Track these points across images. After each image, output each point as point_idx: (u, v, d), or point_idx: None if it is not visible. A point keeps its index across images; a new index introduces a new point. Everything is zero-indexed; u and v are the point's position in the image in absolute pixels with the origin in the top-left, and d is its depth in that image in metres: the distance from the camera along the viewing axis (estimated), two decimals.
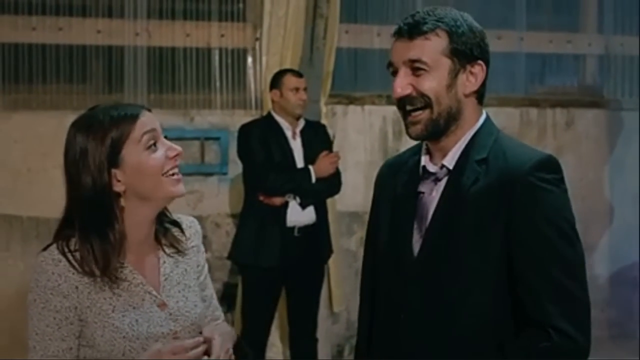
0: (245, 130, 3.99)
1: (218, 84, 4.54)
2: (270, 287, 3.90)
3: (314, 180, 3.88)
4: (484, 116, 1.67)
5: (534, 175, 1.56)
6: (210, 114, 4.52)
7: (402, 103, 1.62)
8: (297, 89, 3.94)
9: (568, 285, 1.55)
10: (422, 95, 1.60)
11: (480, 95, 1.66)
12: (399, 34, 1.63)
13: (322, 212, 3.98)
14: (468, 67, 1.61)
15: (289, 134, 3.99)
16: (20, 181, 4.17)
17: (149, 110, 1.73)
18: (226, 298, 4.33)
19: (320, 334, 4.21)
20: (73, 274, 1.65)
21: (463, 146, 1.64)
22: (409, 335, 1.65)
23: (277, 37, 4.39)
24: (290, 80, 3.95)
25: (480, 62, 1.62)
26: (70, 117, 1.77)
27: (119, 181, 1.66)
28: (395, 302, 1.68)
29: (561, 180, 1.60)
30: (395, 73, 1.63)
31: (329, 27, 4.49)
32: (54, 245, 1.69)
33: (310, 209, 3.92)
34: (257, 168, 3.90)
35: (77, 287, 1.66)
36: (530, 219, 1.56)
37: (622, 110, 5.33)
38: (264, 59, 4.46)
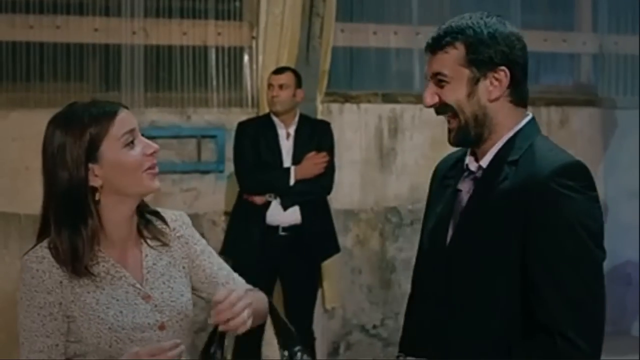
0: (239, 128, 4.07)
1: (215, 82, 4.56)
2: (258, 283, 3.91)
3: (292, 181, 3.92)
4: (526, 119, 1.71)
5: (554, 181, 1.58)
6: (207, 112, 4.54)
7: (437, 112, 1.72)
8: (271, 86, 3.99)
9: (579, 295, 1.57)
10: (446, 105, 1.68)
11: (517, 98, 1.69)
12: (426, 49, 1.72)
13: (310, 212, 3.99)
14: (490, 74, 1.66)
15: (282, 132, 4.04)
16: (18, 179, 4.19)
17: (127, 108, 1.76)
18: None
19: (317, 331, 4.24)
20: (57, 269, 1.68)
21: (499, 147, 1.68)
22: (438, 325, 1.70)
23: (273, 35, 4.41)
24: (268, 78, 4.03)
25: (503, 67, 1.66)
26: None
27: (96, 176, 1.69)
28: (427, 291, 1.76)
29: (586, 187, 1.60)
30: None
31: (325, 25, 4.52)
32: (39, 244, 1.72)
33: (295, 209, 3.96)
34: (240, 166, 3.98)
35: (61, 283, 1.68)
36: (546, 225, 1.58)
37: (617, 108, 5.36)
38: (260, 57, 4.49)
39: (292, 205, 3.96)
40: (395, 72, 5.01)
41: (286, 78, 4.00)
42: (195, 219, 4.52)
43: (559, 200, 1.58)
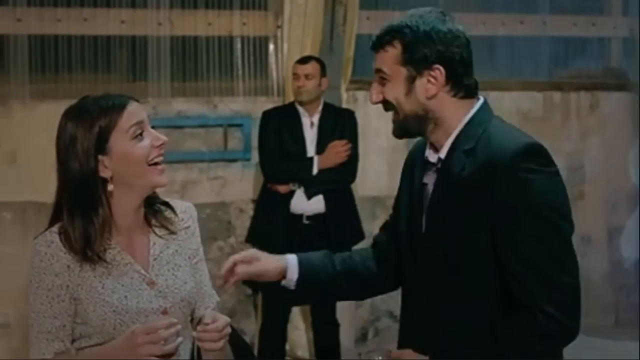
0: (263, 117, 4.10)
1: (240, 71, 4.58)
2: None
3: (315, 170, 3.93)
4: (476, 107, 1.73)
5: (512, 165, 1.61)
6: (232, 101, 4.57)
7: (384, 109, 1.76)
8: (296, 75, 4.00)
9: (551, 271, 1.60)
10: (388, 101, 1.73)
11: (459, 92, 1.71)
12: (370, 47, 1.77)
13: (334, 201, 4.01)
14: (426, 73, 1.70)
15: (306, 121, 4.05)
16: (49, 170, 4.24)
17: (137, 101, 1.81)
18: (250, 282, 4.39)
19: (344, 318, 4.26)
20: (65, 253, 1.74)
21: (454, 137, 1.71)
22: (419, 309, 1.76)
23: (297, 24, 4.42)
24: (293, 68, 4.04)
25: (438, 66, 1.69)
26: None
27: (106, 167, 1.75)
28: (408, 281, 1.81)
29: (544, 164, 1.64)
30: None
31: (349, 13, 4.52)
32: (49, 229, 1.78)
33: (319, 198, 3.98)
34: (264, 155, 4.02)
35: (68, 266, 1.75)
36: (510, 208, 1.62)
37: None
38: (285, 46, 4.50)
39: (315, 194, 3.98)
40: None
41: (312, 68, 4.01)
42: (222, 207, 4.60)
43: (519, 183, 1.61)
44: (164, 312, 1.78)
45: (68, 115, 1.79)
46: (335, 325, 4.13)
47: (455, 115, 1.71)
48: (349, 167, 4.04)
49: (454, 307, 1.69)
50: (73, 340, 1.78)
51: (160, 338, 1.66)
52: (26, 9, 4.25)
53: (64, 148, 1.76)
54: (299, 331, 4.45)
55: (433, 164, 1.75)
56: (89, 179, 1.74)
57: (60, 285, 1.74)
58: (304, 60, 4.06)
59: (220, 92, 4.57)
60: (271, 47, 4.63)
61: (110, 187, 1.76)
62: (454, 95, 1.71)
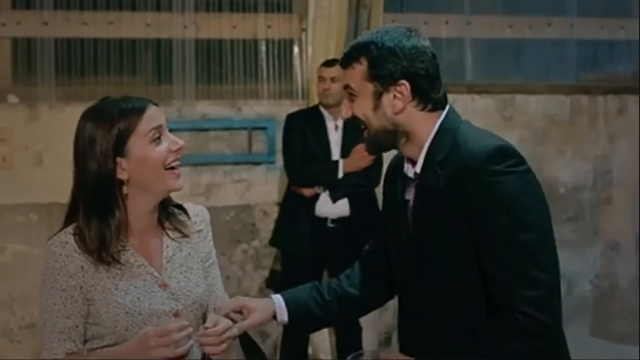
0: (288, 120, 4.10)
1: (265, 74, 4.59)
2: (305, 274, 3.94)
3: (341, 174, 3.92)
4: (441, 117, 1.74)
5: (481, 171, 1.64)
6: (257, 104, 4.57)
7: (353, 125, 1.79)
8: (322, 78, 3.99)
9: (528, 271, 1.62)
10: (357, 118, 1.76)
11: (426, 106, 1.73)
12: (339, 64, 1.81)
13: (359, 204, 4.00)
14: (392, 88, 1.72)
15: (330, 125, 4.05)
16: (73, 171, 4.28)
17: (156, 104, 1.81)
18: (274, 285, 4.39)
19: (367, 322, 4.24)
20: (79, 254, 1.75)
21: (426, 150, 1.73)
22: (411, 318, 1.81)
23: (321, 27, 4.42)
24: (319, 70, 4.03)
25: (403, 81, 1.71)
26: None
27: (123, 169, 1.76)
28: (400, 290, 1.86)
29: (513, 165, 1.65)
30: None
31: (373, 17, 4.51)
32: (63, 230, 1.79)
33: (344, 202, 3.97)
34: (289, 158, 4.02)
35: (82, 267, 1.75)
36: (483, 213, 1.64)
37: None
38: (309, 49, 4.50)
39: (341, 197, 3.97)
40: (447, 62, 4.96)
41: (337, 70, 4.00)
42: (246, 209, 4.61)
43: (489, 187, 1.63)
44: (176, 315, 1.79)
45: (87, 116, 1.80)
46: (358, 328, 4.12)
47: (425, 128, 1.73)
48: (374, 172, 4.02)
49: (446, 315, 1.72)
50: (85, 341, 1.79)
51: (172, 341, 1.66)
52: (53, 13, 4.29)
53: (82, 149, 1.78)
54: (321, 334, 4.44)
55: (412, 179, 1.78)
56: (106, 181, 1.75)
57: (74, 286, 1.75)
58: (330, 63, 4.06)
59: (245, 95, 4.58)
60: (296, 50, 4.63)
61: (126, 189, 1.77)
62: (422, 109, 1.73)
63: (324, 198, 4.00)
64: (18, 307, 4.27)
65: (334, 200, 3.98)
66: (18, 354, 4.26)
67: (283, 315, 1.86)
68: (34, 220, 4.29)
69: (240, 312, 1.81)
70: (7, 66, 4.35)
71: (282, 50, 4.61)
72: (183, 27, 4.46)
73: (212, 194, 4.46)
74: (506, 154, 1.66)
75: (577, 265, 5.09)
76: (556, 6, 5.11)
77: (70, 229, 1.78)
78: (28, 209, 4.28)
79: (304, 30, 4.58)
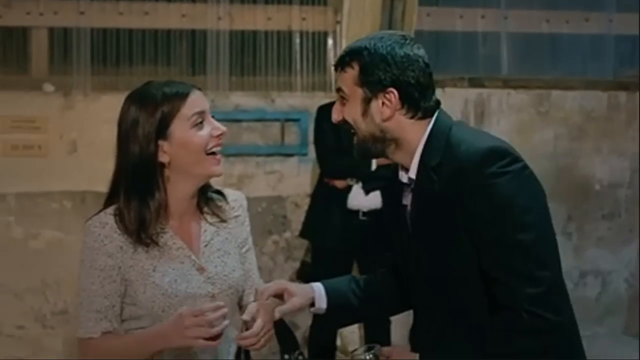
0: (320, 112, 4.09)
1: (299, 66, 4.59)
2: (336, 266, 3.93)
3: (374, 166, 3.91)
4: (432, 122, 1.74)
5: (477, 172, 1.63)
6: (290, 96, 4.58)
7: (346, 129, 1.79)
8: None
9: (528, 270, 1.61)
10: (346, 122, 1.77)
11: (416, 114, 1.73)
12: (333, 67, 1.81)
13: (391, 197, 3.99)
14: (380, 95, 1.72)
15: None
16: (109, 160, 4.31)
17: (199, 89, 1.83)
18: (304, 277, 4.40)
19: (396, 315, 4.22)
20: (118, 235, 1.77)
21: (419, 155, 1.73)
22: (418, 319, 1.83)
23: (356, 20, 4.41)
24: None
25: (392, 89, 1.71)
26: None
27: (164, 153, 1.77)
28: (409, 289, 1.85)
29: (507, 165, 1.64)
30: None
31: (407, 10, 4.49)
32: (103, 211, 1.81)
33: (376, 194, 3.95)
34: (322, 150, 4.01)
35: (121, 248, 1.77)
36: (480, 217, 1.64)
37: None
38: (343, 42, 4.48)
39: (374, 189, 3.96)
40: (482, 56, 4.92)
41: None
42: (278, 201, 4.62)
43: (484, 190, 1.63)
44: (213, 298, 1.79)
45: (132, 98, 1.81)
46: (388, 322, 4.11)
47: (415, 136, 1.73)
48: None
49: (450, 315, 1.72)
50: (122, 322, 1.80)
51: (206, 321, 1.67)
52: (89, 3, 4.34)
53: (125, 131, 1.79)
54: (351, 327, 4.43)
55: (407, 185, 1.78)
56: (148, 163, 1.76)
57: (112, 265, 1.77)
58: None
59: (278, 87, 4.58)
60: (330, 42, 4.62)
61: (167, 172, 1.78)
62: (412, 117, 1.73)
63: (356, 190, 3.99)
64: (51, 293, 4.33)
65: (367, 192, 3.97)
66: (51, 340, 4.33)
67: (322, 303, 1.85)
68: (67, 208, 4.34)
69: (281, 296, 1.81)
70: (44, 55, 4.40)
71: (316, 42, 4.61)
72: (217, 19, 4.47)
73: (244, 185, 4.48)
74: (499, 154, 1.65)
75: (612, 264, 5.02)
76: (594, 1, 5.04)
77: (110, 210, 1.80)
78: (62, 196, 4.33)
79: (338, 22, 4.57)
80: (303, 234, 4.21)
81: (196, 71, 4.51)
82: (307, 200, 4.45)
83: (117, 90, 4.37)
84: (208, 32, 4.47)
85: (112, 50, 4.40)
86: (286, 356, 1.78)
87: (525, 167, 1.68)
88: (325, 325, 3.97)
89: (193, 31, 4.51)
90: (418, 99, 1.72)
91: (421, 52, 1.75)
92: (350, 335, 4.46)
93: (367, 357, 1.71)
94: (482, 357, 1.65)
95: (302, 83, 4.59)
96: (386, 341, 4.11)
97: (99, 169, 4.35)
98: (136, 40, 4.42)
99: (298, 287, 1.85)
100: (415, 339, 1.82)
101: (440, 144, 1.70)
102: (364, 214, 3.99)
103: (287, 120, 4.56)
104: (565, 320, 1.65)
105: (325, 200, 4.05)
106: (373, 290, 1.91)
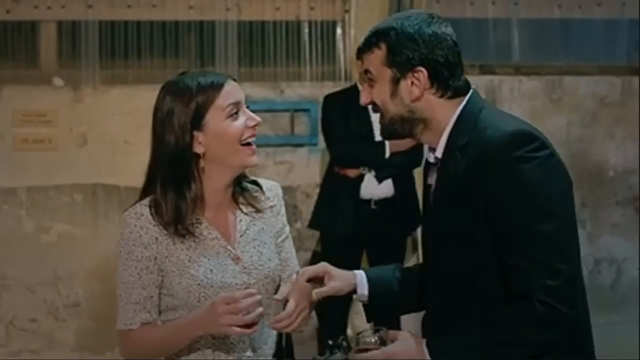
0: (327, 101, 4.07)
1: (307, 56, 4.57)
2: (346, 256, 3.91)
3: (387, 154, 3.88)
4: (463, 103, 1.72)
5: (504, 155, 1.61)
6: (300, 86, 4.57)
7: (373, 111, 1.78)
8: None
9: (547, 260, 1.59)
10: (375, 103, 1.75)
11: (445, 93, 1.71)
12: (357, 50, 1.79)
13: (403, 185, 3.96)
14: (409, 75, 1.70)
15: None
16: (118, 153, 4.33)
17: (235, 80, 1.83)
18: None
19: None
20: (154, 226, 1.78)
21: (446, 136, 1.72)
22: (430, 303, 1.81)
23: (364, 9, 4.38)
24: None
25: (420, 68, 1.69)
26: None
27: (200, 143, 1.77)
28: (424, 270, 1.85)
29: (533, 150, 1.62)
30: None
31: None
32: (139, 202, 1.81)
33: (388, 182, 3.94)
34: (332, 139, 3.99)
35: (157, 239, 1.78)
36: (502, 201, 1.62)
37: None
38: (352, 31, 4.46)
39: (387, 177, 3.94)
40: (493, 42, 4.87)
41: None
42: (289, 191, 4.60)
43: (510, 174, 1.61)
44: (247, 288, 1.78)
45: (167, 89, 1.81)
46: None
47: (444, 115, 1.71)
48: (417, 151, 3.97)
49: (462, 299, 1.70)
50: (160, 312, 1.80)
51: (240, 308, 1.67)
52: None
53: (161, 121, 1.78)
54: (361, 316, 4.41)
55: (434, 164, 1.77)
56: (183, 154, 1.76)
57: (149, 256, 1.77)
58: None
59: (287, 77, 4.57)
60: (338, 31, 4.60)
61: (202, 163, 1.78)
62: (441, 96, 1.71)
63: (369, 179, 3.96)
64: (63, 286, 4.34)
65: (380, 180, 3.95)
66: (63, 332, 4.34)
67: (363, 289, 1.84)
68: (78, 201, 4.35)
69: (322, 279, 1.81)
70: (53, 49, 4.40)
71: (325, 32, 4.59)
72: (226, 10, 4.46)
73: (255, 175, 4.40)
74: (526, 138, 1.63)
75: (626, 251, 4.98)
76: None
77: (145, 201, 1.80)
78: (72, 189, 4.35)
79: (346, 11, 4.55)
80: (312, 224, 4.18)
81: (205, 63, 4.50)
82: (317, 190, 4.44)
83: (126, 83, 4.38)
84: (216, 23, 4.46)
85: (120, 43, 4.40)
86: (330, 341, 1.77)
87: (553, 154, 1.65)
88: (336, 316, 3.95)
89: (201, 22, 4.50)
90: (447, 78, 1.70)
91: (449, 30, 1.72)
92: (362, 325, 4.44)
93: (373, 339, 1.69)
94: (488, 344, 1.63)
95: (311, 73, 4.57)
96: (395, 325, 4.09)
97: (109, 162, 4.39)
98: (144, 33, 4.42)
99: (340, 272, 1.84)
100: (428, 325, 1.80)
101: (469, 124, 1.68)
102: (376, 202, 3.96)
103: (297, 110, 4.55)
104: (578, 314, 1.63)
105: (335, 190, 4.03)
106: (415, 280, 1.88)
